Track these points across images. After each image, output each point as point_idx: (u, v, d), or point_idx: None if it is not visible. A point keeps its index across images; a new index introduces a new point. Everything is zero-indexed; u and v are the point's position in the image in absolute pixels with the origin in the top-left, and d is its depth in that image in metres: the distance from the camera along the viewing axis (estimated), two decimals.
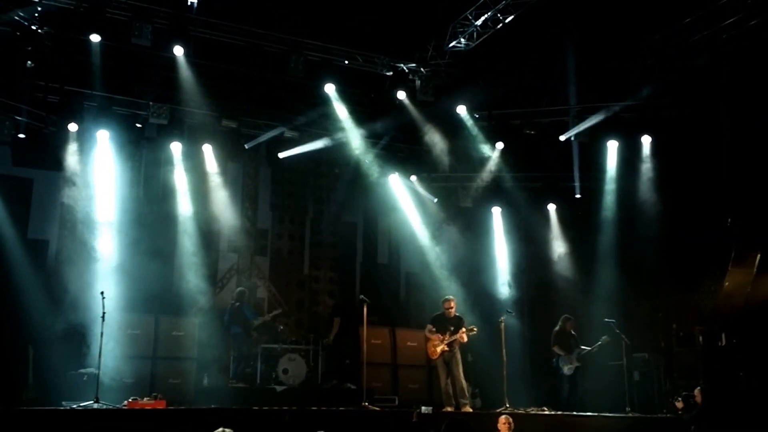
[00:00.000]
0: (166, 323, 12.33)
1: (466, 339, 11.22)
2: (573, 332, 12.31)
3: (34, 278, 11.98)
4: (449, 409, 11.15)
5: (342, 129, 13.84)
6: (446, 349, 11.24)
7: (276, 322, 13.08)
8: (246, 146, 13.81)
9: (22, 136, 12.20)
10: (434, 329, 11.37)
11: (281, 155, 14.04)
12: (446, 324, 11.33)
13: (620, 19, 11.74)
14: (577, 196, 14.28)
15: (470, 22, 12.08)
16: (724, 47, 11.22)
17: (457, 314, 11.54)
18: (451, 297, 11.71)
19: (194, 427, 9.46)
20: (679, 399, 11.13)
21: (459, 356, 11.35)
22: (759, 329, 11.76)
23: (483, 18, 11.88)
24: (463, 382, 11.27)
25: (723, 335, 11.97)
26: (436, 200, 15.14)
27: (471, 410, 11.17)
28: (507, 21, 11.76)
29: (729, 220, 12.06)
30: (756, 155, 11.59)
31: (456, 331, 11.14)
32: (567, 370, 12.15)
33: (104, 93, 12.30)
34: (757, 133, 11.51)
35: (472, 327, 11.28)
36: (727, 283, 11.89)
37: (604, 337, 11.90)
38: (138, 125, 13.02)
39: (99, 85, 12.07)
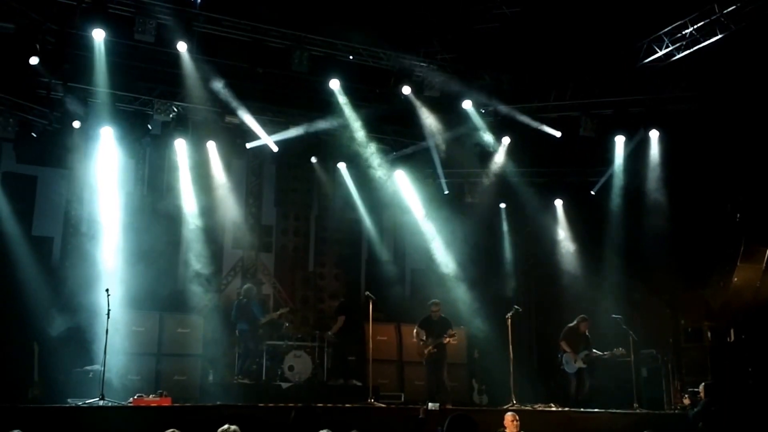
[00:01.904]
0: (171, 320, 12.32)
1: (449, 341, 11.73)
2: (587, 333, 12.23)
3: (38, 276, 11.95)
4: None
5: (347, 125, 13.78)
6: (434, 350, 11.63)
7: (282, 319, 13.03)
8: (247, 146, 13.72)
9: (34, 135, 12.16)
10: (422, 331, 11.79)
11: (273, 145, 13.83)
12: (432, 326, 11.78)
13: (626, 14, 11.65)
14: (592, 192, 14.16)
15: (476, 16, 11.99)
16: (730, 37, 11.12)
17: (443, 316, 11.96)
18: (437, 300, 12.11)
19: (200, 424, 9.41)
20: (686, 395, 11.08)
21: (446, 358, 11.81)
22: None
23: (489, 11, 11.80)
24: (447, 383, 11.73)
25: (732, 331, 11.90)
26: (447, 192, 15.07)
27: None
28: (512, 15, 11.69)
29: (738, 215, 11.98)
30: (766, 149, 11.49)
31: (441, 333, 11.63)
32: (568, 367, 12.09)
33: (108, 90, 12.23)
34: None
35: (453, 333, 11.75)
36: (735, 279, 11.81)
37: (620, 349, 11.80)
38: (149, 126, 12.94)
39: (102, 82, 12.00)
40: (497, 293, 14.53)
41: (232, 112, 13.15)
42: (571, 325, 12.32)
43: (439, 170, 14.72)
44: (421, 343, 11.79)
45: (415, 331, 11.92)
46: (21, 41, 11.11)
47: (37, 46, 11.20)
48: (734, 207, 12.05)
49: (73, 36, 11.51)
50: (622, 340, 11.90)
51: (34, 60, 11.21)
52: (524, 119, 13.51)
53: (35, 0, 10.93)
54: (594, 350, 12.01)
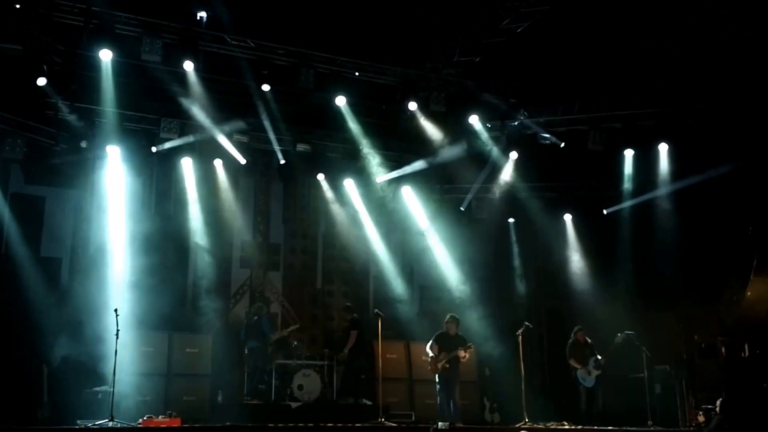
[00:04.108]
0: (179, 340, 12.29)
1: (465, 356, 11.38)
2: (588, 341, 12.12)
3: (47, 297, 11.91)
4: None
5: (353, 141, 13.78)
6: (447, 365, 11.34)
7: (291, 337, 12.95)
8: (242, 162, 13.65)
9: (57, 162, 12.24)
10: (436, 345, 11.48)
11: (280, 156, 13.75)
12: (447, 342, 11.48)
13: (631, 23, 11.63)
14: (604, 212, 14.05)
15: (483, 30, 11.99)
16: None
17: (460, 334, 11.65)
18: (455, 315, 11.85)
19: None
20: (701, 412, 10.94)
21: (458, 375, 11.50)
22: None
23: (496, 26, 11.80)
24: (459, 402, 11.44)
25: (746, 346, 11.76)
26: (463, 208, 15.02)
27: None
28: (519, 30, 11.68)
29: (750, 228, 11.89)
30: None
31: (455, 349, 11.31)
32: (587, 382, 11.96)
33: (115, 109, 12.27)
34: None
35: (469, 345, 11.48)
36: (749, 293, 11.71)
37: (618, 335, 11.71)
38: (152, 148, 12.93)
39: (110, 102, 12.04)
40: (507, 310, 14.42)
41: (240, 130, 13.18)
42: (570, 341, 12.24)
43: (474, 186, 14.66)
44: (430, 358, 11.43)
45: (428, 345, 11.53)
46: (29, 62, 11.18)
47: (45, 67, 11.28)
48: (746, 220, 11.94)
49: (80, 56, 11.58)
50: (635, 356, 11.78)
51: (41, 81, 11.29)
52: (531, 133, 13.52)
53: (43, 21, 10.98)
54: (598, 356, 11.93)
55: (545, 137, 13.52)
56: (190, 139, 12.97)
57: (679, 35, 11.64)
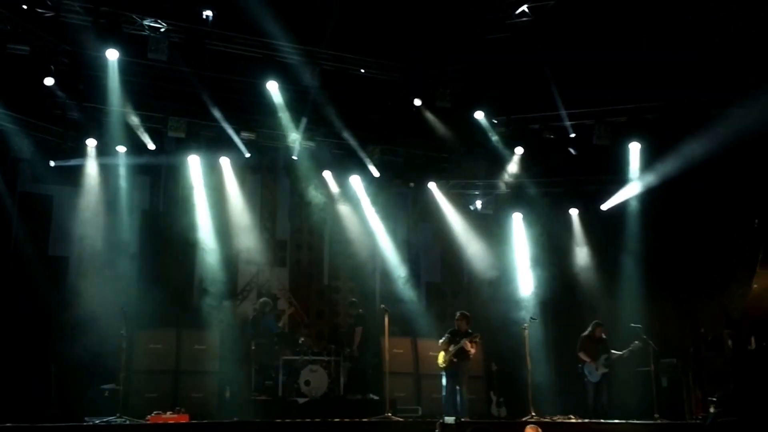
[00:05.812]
0: (187, 337, 12.33)
1: (471, 349, 11.47)
2: (603, 336, 12.11)
3: (54, 295, 12.00)
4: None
5: (358, 138, 13.81)
6: (454, 360, 11.41)
7: (296, 333, 13.00)
8: (246, 155, 13.70)
9: (50, 158, 12.33)
10: (446, 344, 11.61)
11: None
12: (457, 338, 11.58)
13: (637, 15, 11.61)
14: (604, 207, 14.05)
15: (487, 26, 12.00)
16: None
17: (470, 330, 11.74)
18: (463, 312, 11.95)
19: None
20: (711, 405, 10.91)
21: (467, 370, 11.60)
22: None
23: (500, 22, 11.80)
24: (466, 396, 11.50)
25: (752, 339, 11.72)
26: (472, 207, 15.02)
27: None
28: (524, 24, 11.68)
29: (756, 220, 11.85)
30: None
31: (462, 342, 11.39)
32: (592, 377, 11.97)
33: (122, 108, 12.34)
34: None
35: (476, 336, 11.56)
36: (755, 285, 11.64)
37: (635, 343, 11.71)
38: (150, 146, 12.99)
39: (116, 101, 12.11)
40: (513, 304, 14.42)
41: (247, 128, 13.24)
42: (585, 333, 12.22)
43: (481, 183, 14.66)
44: (442, 353, 11.62)
45: (440, 342, 11.75)
46: (36, 63, 11.26)
47: (52, 67, 11.36)
48: (753, 212, 11.91)
49: (86, 56, 11.63)
50: (642, 349, 11.77)
51: (49, 81, 11.38)
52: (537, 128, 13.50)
53: (50, 22, 11.05)
54: (612, 351, 11.91)
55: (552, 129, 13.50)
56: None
57: (678, 35, 11.61)
